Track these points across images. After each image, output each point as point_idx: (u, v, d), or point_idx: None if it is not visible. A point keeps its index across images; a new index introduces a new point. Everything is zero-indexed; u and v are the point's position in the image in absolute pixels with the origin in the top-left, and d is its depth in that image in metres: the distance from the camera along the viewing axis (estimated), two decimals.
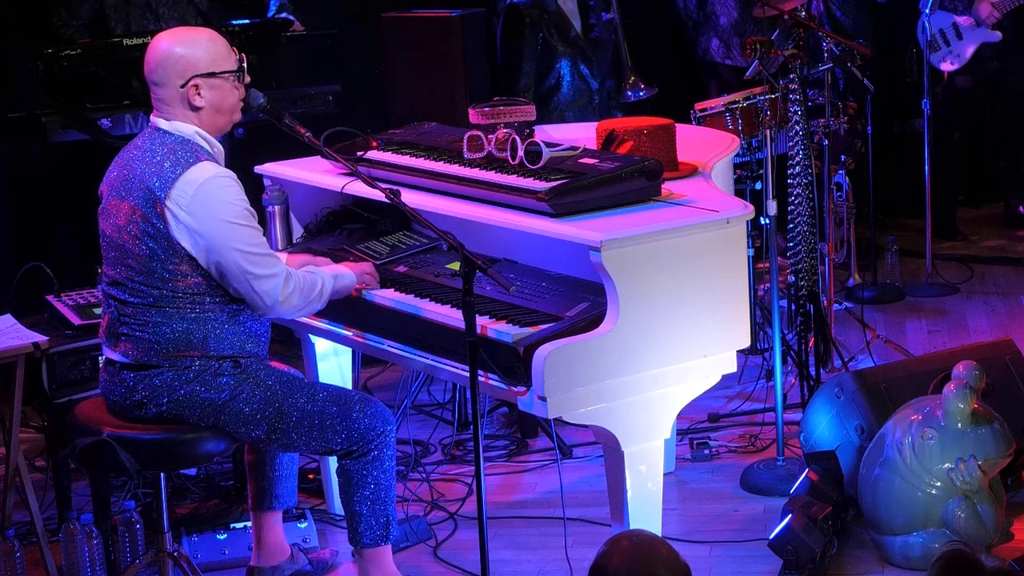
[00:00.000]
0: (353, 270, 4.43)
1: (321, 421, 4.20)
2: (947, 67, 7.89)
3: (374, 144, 4.87)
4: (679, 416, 4.41)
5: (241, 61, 4.17)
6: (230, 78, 4.14)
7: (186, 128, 4.12)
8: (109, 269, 4.17)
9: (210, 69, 4.10)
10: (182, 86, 4.08)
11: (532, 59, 6.43)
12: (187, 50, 4.09)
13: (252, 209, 4.12)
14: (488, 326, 4.08)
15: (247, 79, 4.19)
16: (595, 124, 4.88)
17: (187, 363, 4.10)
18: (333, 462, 4.68)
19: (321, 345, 5.00)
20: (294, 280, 4.17)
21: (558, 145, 4.47)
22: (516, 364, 3.97)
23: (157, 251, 4.04)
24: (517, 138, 4.48)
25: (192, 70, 4.08)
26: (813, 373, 5.73)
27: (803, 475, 4.78)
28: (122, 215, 4.09)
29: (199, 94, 4.09)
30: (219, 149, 4.19)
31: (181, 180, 4.02)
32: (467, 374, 3.83)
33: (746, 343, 4.28)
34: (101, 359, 4.33)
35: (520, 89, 6.40)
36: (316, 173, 4.94)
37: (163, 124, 4.14)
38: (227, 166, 5.73)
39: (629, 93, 6.53)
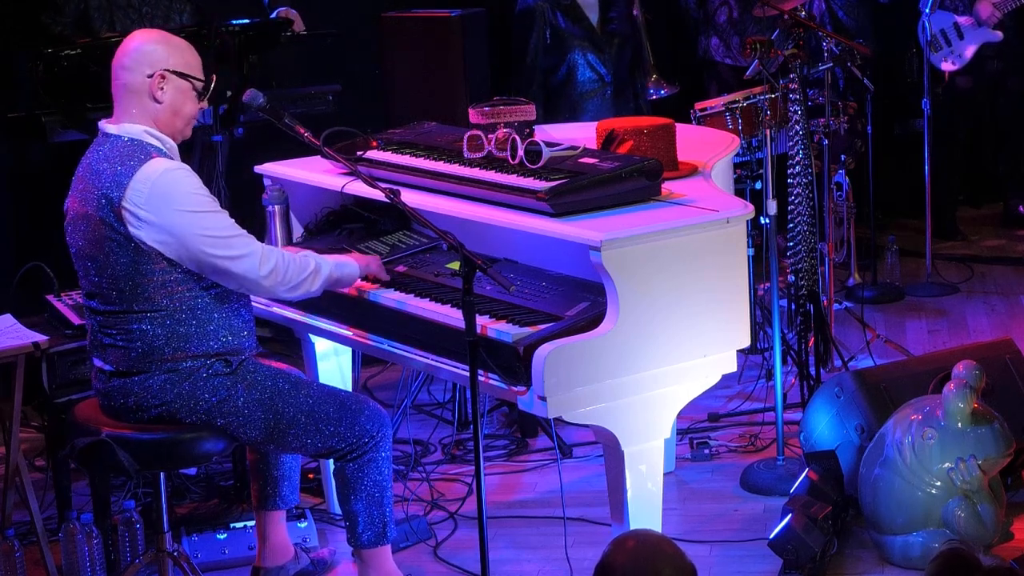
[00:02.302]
0: (359, 262, 4.41)
1: (316, 423, 4.19)
2: (948, 67, 7.89)
3: (374, 144, 4.87)
4: (679, 416, 4.41)
5: (211, 82, 4.18)
6: (197, 86, 4.15)
7: (134, 128, 4.10)
8: (84, 282, 4.16)
9: (180, 69, 4.11)
10: (150, 75, 4.09)
11: (539, 54, 6.45)
12: (166, 47, 4.13)
13: (212, 195, 4.12)
14: (488, 326, 4.08)
15: (203, 104, 4.20)
16: (595, 124, 4.88)
17: (173, 366, 4.09)
18: (331, 463, 4.68)
19: (321, 345, 5.00)
20: (276, 258, 4.14)
21: (558, 145, 4.47)
22: (516, 364, 3.97)
23: (123, 255, 4.02)
24: (517, 138, 4.48)
25: (164, 63, 4.10)
26: (813, 373, 5.73)
27: (803, 475, 4.78)
28: (88, 226, 4.07)
29: (162, 88, 4.09)
30: (171, 146, 4.16)
31: (134, 179, 4.00)
32: (467, 374, 3.83)
33: (746, 343, 4.28)
34: None
35: (525, 85, 6.42)
36: (316, 173, 4.94)
37: (111, 128, 4.12)
38: (227, 166, 5.73)
39: (651, 90, 6.55)
